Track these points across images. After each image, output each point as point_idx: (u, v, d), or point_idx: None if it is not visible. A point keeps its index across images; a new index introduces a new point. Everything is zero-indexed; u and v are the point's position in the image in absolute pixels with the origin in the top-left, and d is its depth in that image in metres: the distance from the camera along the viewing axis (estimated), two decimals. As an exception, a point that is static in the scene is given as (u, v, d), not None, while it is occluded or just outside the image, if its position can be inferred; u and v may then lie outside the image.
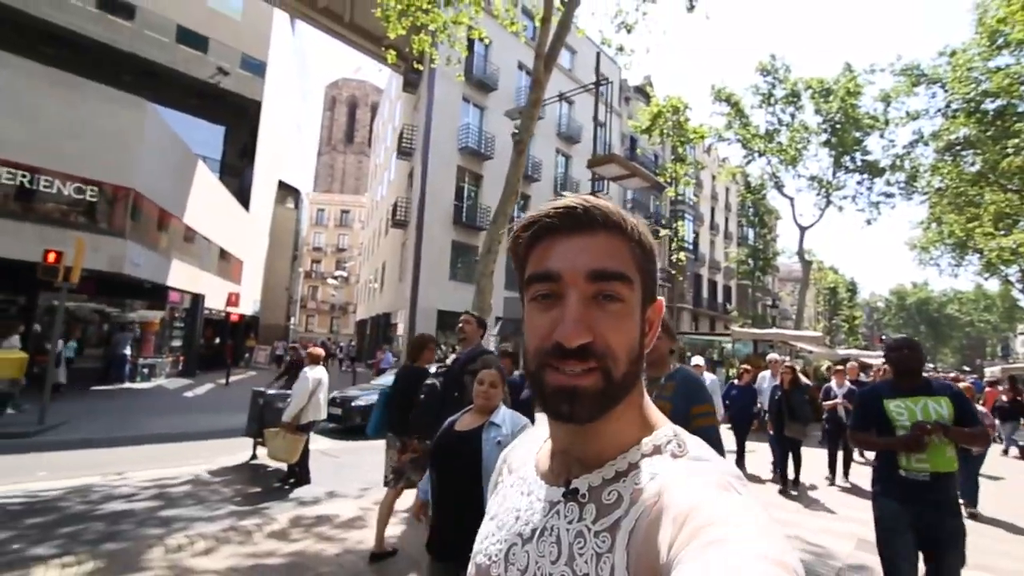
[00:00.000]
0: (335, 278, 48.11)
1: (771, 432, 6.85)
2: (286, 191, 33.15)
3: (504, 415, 2.29)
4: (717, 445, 2.06)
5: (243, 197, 24.12)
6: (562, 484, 0.60)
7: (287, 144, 33.83)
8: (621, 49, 11.09)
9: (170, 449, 7.58)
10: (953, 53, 18.74)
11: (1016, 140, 16.45)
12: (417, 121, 21.31)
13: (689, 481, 0.49)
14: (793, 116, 23.72)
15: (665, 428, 0.60)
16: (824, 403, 7.33)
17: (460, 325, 3.69)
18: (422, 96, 20.41)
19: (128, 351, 13.81)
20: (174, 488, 5.49)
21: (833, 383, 7.55)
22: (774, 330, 15.11)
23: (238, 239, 22.94)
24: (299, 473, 5.70)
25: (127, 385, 13.77)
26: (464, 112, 21.02)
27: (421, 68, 16.95)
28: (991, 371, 21.47)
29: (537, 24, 11.45)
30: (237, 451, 7.30)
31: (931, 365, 13.49)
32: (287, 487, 5.68)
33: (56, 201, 11.54)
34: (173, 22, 23.33)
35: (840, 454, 7.20)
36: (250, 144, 25.87)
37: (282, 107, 29.97)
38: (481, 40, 11.94)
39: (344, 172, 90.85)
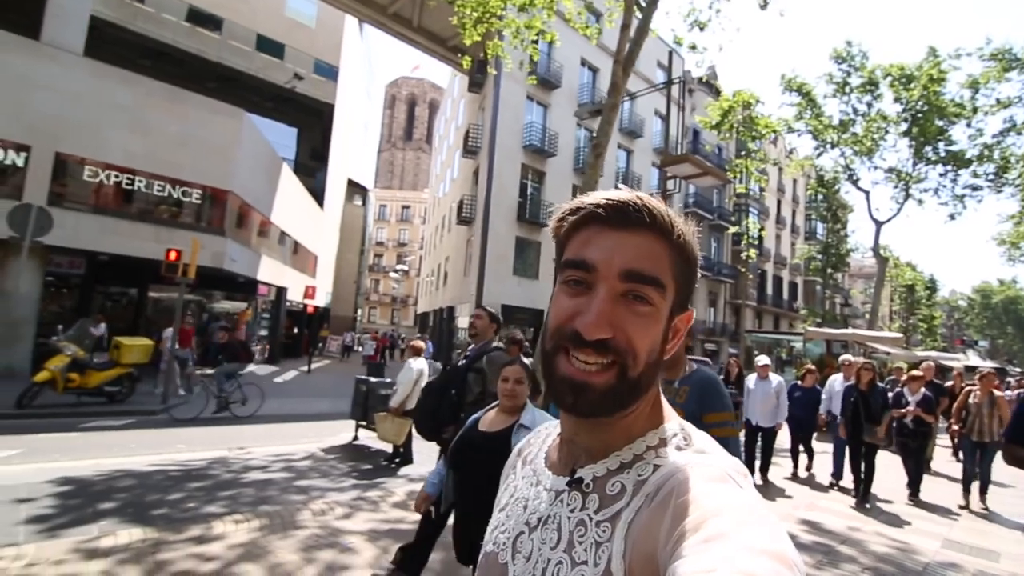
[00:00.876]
0: (396, 271, 49.86)
1: (843, 437, 6.38)
2: (354, 188, 34.72)
3: (534, 416, 2.17)
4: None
5: (317, 195, 25.55)
6: (567, 474, 0.61)
7: (355, 143, 35.38)
8: (694, 47, 11.14)
9: (278, 429, 8.45)
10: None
11: None
12: (482, 120, 21.88)
13: (691, 473, 0.50)
14: (870, 105, 22.67)
15: (672, 422, 0.61)
16: (894, 411, 6.47)
17: (471, 320, 3.58)
18: (488, 96, 20.93)
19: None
20: (297, 463, 6.23)
21: (906, 390, 6.71)
22: (849, 330, 14.68)
23: (314, 235, 24.37)
24: (404, 453, 6.33)
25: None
26: (528, 110, 21.42)
27: (493, 71, 17.40)
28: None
29: (608, 26, 11.69)
30: (339, 432, 8.06)
31: (1018, 369, 12.60)
32: (393, 465, 6.32)
33: (166, 203, 12.84)
34: (253, 31, 24.87)
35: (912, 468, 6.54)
36: (320, 145, 27.37)
37: (351, 108, 31.39)
38: (551, 43, 12.28)
39: (403, 168, 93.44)
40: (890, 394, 6.65)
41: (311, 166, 27.06)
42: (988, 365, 20.81)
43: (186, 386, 10.53)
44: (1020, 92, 19.00)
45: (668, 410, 0.63)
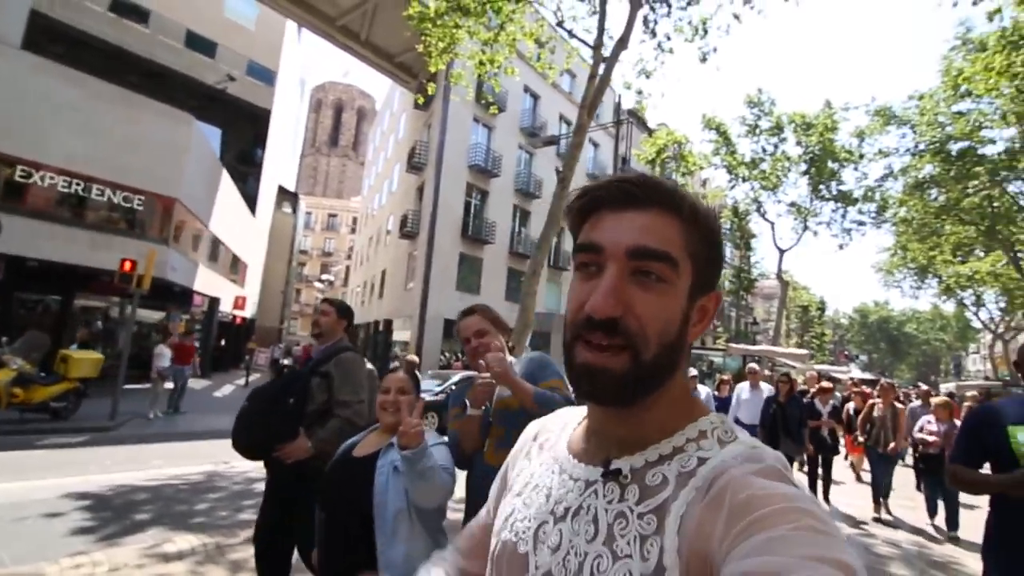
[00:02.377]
0: (321, 282, 48.38)
1: None
2: (284, 195, 33.63)
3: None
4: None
5: (248, 202, 24.66)
6: (601, 464, 0.59)
7: (287, 149, 34.37)
8: (640, 92, 12.33)
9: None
10: (921, 97, 20.68)
11: (975, 181, 18.39)
12: (428, 138, 22.29)
13: (745, 469, 0.48)
14: (776, 146, 25.50)
15: (710, 415, 0.60)
16: (811, 423, 6.64)
17: (315, 315, 2.92)
18: (435, 114, 21.40)
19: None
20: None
21: (817, 401, 6.93)
22: (764, 347, 16.55)
23: (245, 243, 23.49)
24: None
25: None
26: (474, 131, 22.11)
27: (456, 98, 17.87)
28: (945, 387, 23.49)
29: (566, 66, 12.65)
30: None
31: (891, 381, 14.85)
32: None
33: (106, 209, 12.21)
34: (184, 27, 23.78)
35: (819, 478, 6.74)
36: (249, 148, 26.41)
37: (285, 112, 30.57)
38: (508, 74, 13.06)
39: (328, 175, 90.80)
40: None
41: (241, 170, 26.04)
42: (868, 376, 23.92)
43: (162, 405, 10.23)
44: (898, 144, 22.22)
45: (702, 405, 0.61)
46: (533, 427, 0.79)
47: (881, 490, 6.42)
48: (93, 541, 3.83)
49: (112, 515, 4.41)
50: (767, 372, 14.22)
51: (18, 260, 11.52)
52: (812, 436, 6.67)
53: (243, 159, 26.38)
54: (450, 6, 10.76)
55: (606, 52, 9.90)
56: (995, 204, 20.10)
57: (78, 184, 11.74)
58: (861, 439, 6.75)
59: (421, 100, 12.81)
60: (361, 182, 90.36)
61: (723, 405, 7.73)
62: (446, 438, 1.97)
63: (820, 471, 6.78)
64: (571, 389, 0.61)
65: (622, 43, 9.58)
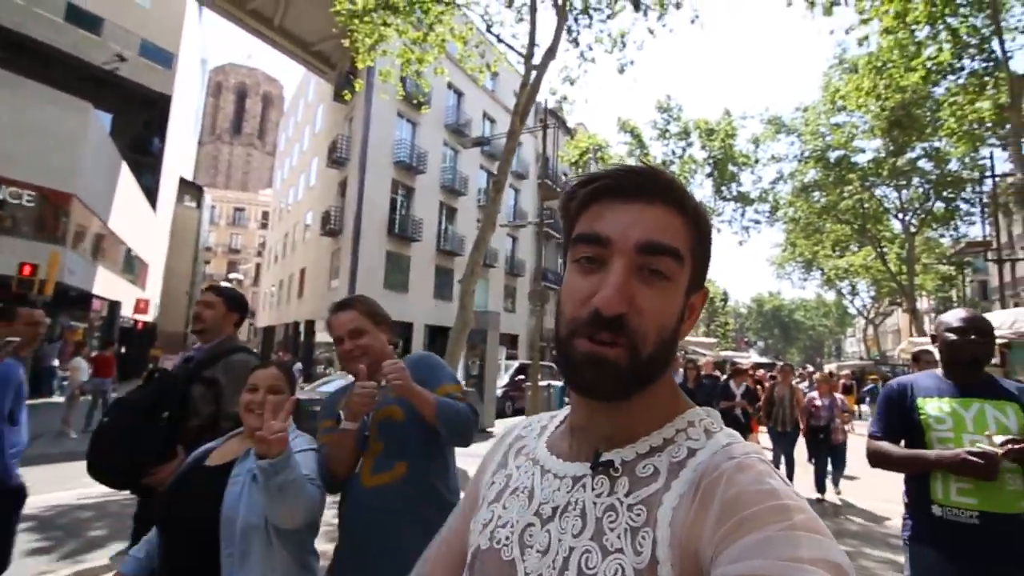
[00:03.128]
0: (230, 281, 45.50)
1: None
2: (186, 188, 31.29)
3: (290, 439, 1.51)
4: (466, 415, 1.62)
5: (147, 196, 22.78)
6: (589, 459, 0.57)
7: (187, 137, 31.93)
8: (564, 98, 12.91)
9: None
10: (806, 109, 23.10)
11: (850, 187, 20.89)
12: (350, 132, 21.75)
13: (736, 463, 0.48)
14: (684, 150, 27.39)
15: (697, 408, 0.59)
16: (723, 403, 6.89)
17: (196, 309, 2.42)
18: (357, 108, 20.90)
19: (56, 363, 13.11)
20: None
21: (732, 383, 7.21)
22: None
23: (145, 241, 21.73)
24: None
25: (54, 399, 13.05)
26: (398, 127, 21.86)
27: (385, 96, 17.55)
28: (828, 367, 26.59)
29: (492, 70, 12.96)
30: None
31: (790, 364, 16.66)
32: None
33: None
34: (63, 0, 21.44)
35: None
36: (143, 137, 24.28)
37: (186, 98, 28.39)
38: (451, 88, 13.17)
39: (231, 164, 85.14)
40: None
41: (136, 160, 23.91)
42: (765, 360, 26.47)
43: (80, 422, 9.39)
44: (787, 151, 24.68)
45: (686, 398, 0.60)
46: (507, 435, 0.76)
47: (778, 465, 6.27)
48: (55, 560, 3.67)
49: (63, 534, 4.21)
50: (679, 359, 15.35)
51: None
52: (725, 416, 7.17)
53: (137, 148, 24.16)
54: (378, 3, 10.70)
55: (535, 61, 10.31)
56: (865, 206, 22.91)
57: (-47, 177, 10.46)
58: (764, 418, 7.11)
59: (348, 97, 12.58)
60: (270, 173, 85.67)
61: (690, 394, 8.33)
62: (315, 444, 1.66)
63: None
64: (577, 383, 0.56)
65: (550, 53, 10.03)
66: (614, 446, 0.56)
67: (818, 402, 6.74)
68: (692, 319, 0.58)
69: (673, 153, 27.31)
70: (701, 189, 29.89)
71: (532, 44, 9.97)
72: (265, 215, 52.42)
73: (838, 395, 6.94)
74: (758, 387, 8.34)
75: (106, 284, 15.64)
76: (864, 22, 11.13)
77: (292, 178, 32.07)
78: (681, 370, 7.70)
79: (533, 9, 9.85)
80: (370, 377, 1.59)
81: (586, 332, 0.51)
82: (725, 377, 7.91)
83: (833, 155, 22.12)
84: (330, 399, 1.83)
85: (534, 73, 9.95)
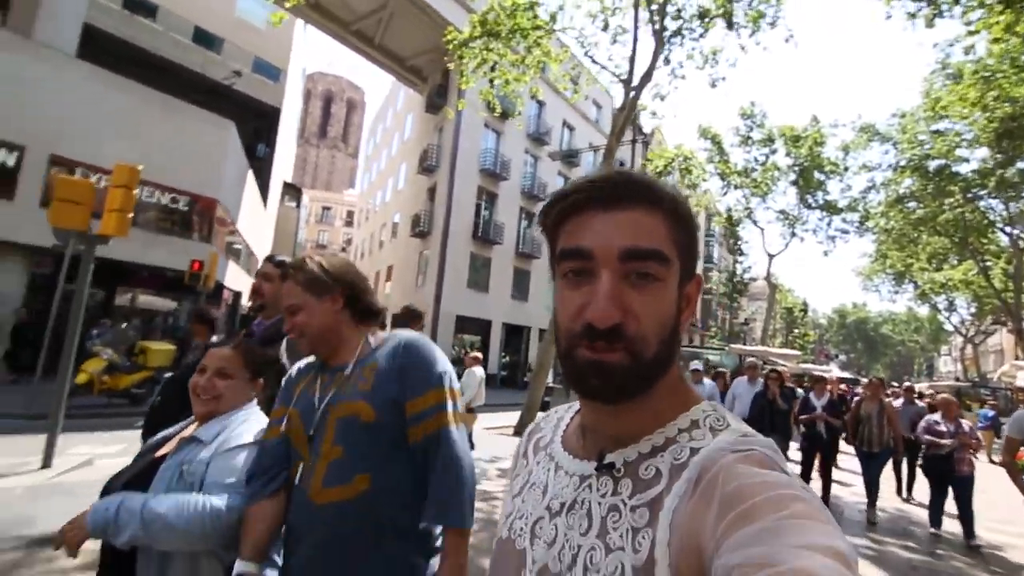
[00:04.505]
0: (318, 274, 48.84)
1: None
2: (287, 189, 34.18)
3: (233, 422, 1.43)
4: (458, 464, 1.25)
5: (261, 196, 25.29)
6: (595, 459, 0.59)
7: (290, 142, 34.84)
8: (654, 114, 13.41)
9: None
10: (903, 115, 22.11)
11: (951, 199, 19.91)
12: (440, 142, 23.18)
13: (735, 458, 0.48)
14: (767, 157, 26.87)
15: (703, 404, 0.59)
16: (803, 416, 6.64)
17: (255, 283, 2.25)
18: (447, 119, 22.28)
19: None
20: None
21: (812, 394, 6.88)
22: (761, 348, 17.90)
23: (259, 238, 24.18)
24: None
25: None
26: (484, 137, 23.07)
27: (483, 114, 18.60)
28: (917, 387, 25.25)
29: (578, 95, 13.66)
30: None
31: (880, 377, 16.05)
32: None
33: (155, 210, 12.98)
34: (191, 23, 24.17)
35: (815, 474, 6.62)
36: (254, 144, 26.89)
37: (291, 108, 31.09)
38: (534, 98, 14.03)
39: (317, 166, 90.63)
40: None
41: (254, 166, 26.61)
42: (846, 375, 25.54)
43: None
44: (880, 160, 23.73)
45: (695, 393, 0.61)
46: (529, 430, 0.78)
47: (874, 492, 6.15)
48: None
49: None
50: (758, 369, 15.43)
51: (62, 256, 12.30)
52: (807, 432, 6.57)
53: (248, 154, 26.91)
54: (483, 31, 11.68)
55: (632, 83, 10.96)
56: (968, 218, 21.64)
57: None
58: (851, 438, 6.46)
59: (451, 115, 13.73)
60: (351, 174, 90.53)
61: (721, 400, 7.66)
62: (257, 435, 1.41)
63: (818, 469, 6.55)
64: (583, 389, 0.56)
65: (647, 77, 10.66)
66: (620, 444, 0.57)
67: (942, 427, 5.76)
68: (690, 308, 0.59)
69: (755, 160, 26.93)
70: (784, 197, 29.27)
71: (631, 71, 10.60)
72: (350, 214, 55.82)
73: (965, 421, 5.98)
74: (857, 401, 7.53)
75: (232, 277, 17.78)
76: (971, 33, 10.94)
77: (380, 181, 34.20)
78: (760, 379, 7.34)
79: (635, 39, 10.47)
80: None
81: (584, 344, 0.52)
82: (804, 388, 7.69)
83: (933, 164, 21.09)
84: (289, 380, 1.43)
85: (631, 95, 10.61)
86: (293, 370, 1.47)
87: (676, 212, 0.56)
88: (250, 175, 18.83)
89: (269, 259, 2.24)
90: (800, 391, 7.91)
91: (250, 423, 1.45)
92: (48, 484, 4.81)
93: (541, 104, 26.23)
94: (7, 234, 10.90)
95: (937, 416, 5.96)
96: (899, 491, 7.59)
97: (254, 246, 23.03)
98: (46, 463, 5.17)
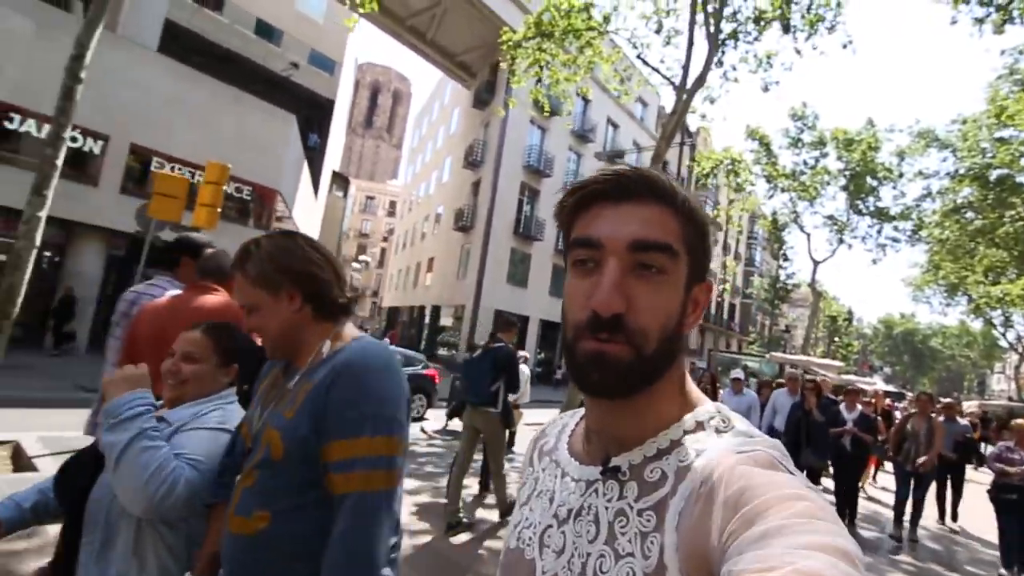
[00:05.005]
0: (359, 262, 50.26)
1: None
2: (336, 179, 35.27)
3: (203, 408, 1.35)
4: (364, 549, 0.96)
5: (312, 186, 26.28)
6: (600, 463, 0.59)
7: (340, 133, 35.94)
8: (704, 117, 13.42)
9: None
10: (964, 121, 21.27)
11: (1012, 211, 19.13)
12: (486, 137, 23.59)
13: (737, 459, 0.48)
14: (817, 160, 26.21)
15: (707, 405, 0.59)
16: (832, 430, 6.31)
17: None
18: (493, 115, 22.66)
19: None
20: (417, 447, 7.91)
21: (843, 407, 6.52)
22: (802, 357, 17.65)
23: (309, 226, 25.18)
24: (511, 436, 8.16)
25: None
26: (530, 133, 23.36)
27: (525, 109, 18.89)
28: (969, 405, 24.28)
29: (627, 96, 13.77)
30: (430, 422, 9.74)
31: (910, 395, 15.46)
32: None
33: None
34: (253, 16, 25.21)
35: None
36: (305, 134, 27.89)
37: (343, 99, 32.07)
38: (582, 96, 14.21)
39: (362, 156, 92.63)
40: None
41: (308, 156, 27.68)
42: (891, 388, 24.84)
43: None
44: (938, 167, 22.91)
45: (700, 395, 0.61)
46: (535, 436, 0.78)
47: (903, 509, 5.92)
48: None
49: None
50: (798, 379, 15.32)
51: (140, 239, 13.23)
52: (832, 445, 6.31)
53: (307, 144, 28.03)
54: (536, 32, 11.94)
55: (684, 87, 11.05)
56: (1030, 231, 20.72)
57: (200, 175, 13.33)
58: (892, 454, 6.19)
59: (501, 113, 14.06)
60: (394, 164, 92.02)
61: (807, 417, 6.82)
62: (222, 417, 1.34)
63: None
64: (584, 382, 0.55)
65: (700, 81, 10.73)
66: (624, 447, 0.58)
67: (1015, 454, 5.38)
68: (697, 313, 0.59)
69: (804, 163, 26.31)
70: (833, 202, 28.53)
71: (685, 76, 10.69)
72: (392, 204, 57.02)
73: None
74: (879, 417, 7.23)
75: (284, 263, 18.70)
76: (1043, 40, 10.58)
77: (424, 173, 34.91)
78: (780, 392, 7.12)
79: (690, 43, 10.55)
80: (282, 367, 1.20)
81: (587, 335, 0.53)
82: (839, 401, 7.05)
83: (994, 174, 20.28)
84: (261, 375, 1.30)
85: (683, 99, 10.71)
86: (267, 364, 1.30)
87: (688, 211, 0.56)
88: (305, 166, 19.64)
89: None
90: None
91: (222, 412, 1.36)
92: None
93: (586, 101, 26.30)
94: (90, 217, 11.79)
95: (1010, 443, 5.56)
96: (941, 516, 7.18)
97: (306, 233, 24.05)
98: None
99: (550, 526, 0.61)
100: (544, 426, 0.79)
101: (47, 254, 11.87)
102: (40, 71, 10.67)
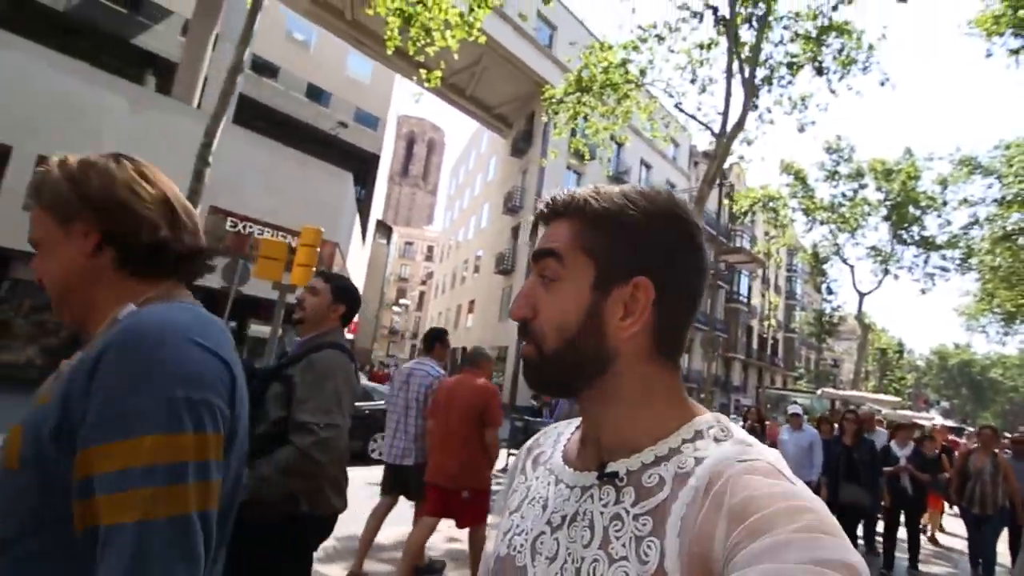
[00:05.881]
0: (400, 306, 51.53)
1: (823, 498, 4.46)
2: (379, 227, 36.88)
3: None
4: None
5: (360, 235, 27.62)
6: (596, 469, 0.59)
7: (383, 183, 37.76)
8: (742, 158, 13.85)
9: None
10: (1008, 146, 21.06)
11: (1068, 235, 18.66)
12: (524, 184, 24.55)
13: (742, 469, 0.48)
14: (855, 192, 26.06)
15: (706, 415, 0.59)
16: (886, 469, 5.92)
17: (299, 295, 2.15)
18: (531, 162, 23.62)
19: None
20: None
21: (893, 443, 6.20)
22: (854, 392, 17.31)
23: (356, 273, 26.36)
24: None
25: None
26: (566, 178, 24.21)
27: (571, 162, 19.69)
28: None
29: (665, 143, 14.30)
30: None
31: (969, 430, 14.66)
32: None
33: (289, 253, 14.89)
34: (305, 80, 27.19)
35: (905, 534, 5.83)
36: (355, 187, 29.56)
37: (386, 153, 33.89)
38: (618, 142, 14.88)
39: (399, 202, 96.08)
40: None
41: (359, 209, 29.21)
42: (950, 423, 23.76)
43: None
44: (984, 194, 22.60)
45: (698, 406, 0.61)
46: (529, 444, 0.78)
47: (979, 561, 5.41)
48: None
49: None
50: (844, 412, 15.07)
51: (216, 292, 14.29)
52: (889, 486, 5.88)
53: (359, 197, 29.63)
54: (577, 88, 12.71)
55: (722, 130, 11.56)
56: (1089, 256, 20.09)
57: (268, 231, 14.43)
58: (955, 495, 5.69)
59: (544, 163, 14.82)
60: (430, 210, 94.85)
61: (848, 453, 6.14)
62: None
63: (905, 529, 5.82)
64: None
65: (738, 126, 11.22)
66: (619, 456, 0.58)
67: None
68: (633, 314, 0.56)
69: (843, 195, 26.18)
70: (876, 233, 28.07)
71: (725, 123, 11.21)
72: (430, 248, 58.70)
73: None
74: (942, 455, 6.67)
75: (338, 310, 19.64)
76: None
77: (462, 219, 36.14)
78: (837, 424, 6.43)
79: (728, 94, 11.10)
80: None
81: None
82: (889, 436, 6.66)
83: (1045, 198, 19.91)
84: None
85: (723, 142, 11.20)
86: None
87: (588, 215, 0.58)
88: (356, 218, 20.82)
89: (319, 274, 2.13)
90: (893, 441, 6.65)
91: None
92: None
93: (620, 145, 27.14)
94: (175, 274, 12.90)
95: None
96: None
97: (354, 280, 25.18)
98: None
99: (543, 533, 0.60)
100: (537, 435, 0.79)
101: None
102: (131, 142, 12.02)
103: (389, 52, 9.13)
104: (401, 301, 50.51)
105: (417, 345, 50.35)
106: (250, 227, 14.11)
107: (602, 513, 0.55)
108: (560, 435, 0.74)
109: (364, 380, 11.93)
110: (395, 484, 3.81)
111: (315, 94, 27.64)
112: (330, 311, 2.05)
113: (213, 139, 6.79)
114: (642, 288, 0.56)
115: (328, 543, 4.12)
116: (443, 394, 3.44)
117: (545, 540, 0.59)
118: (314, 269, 7.25)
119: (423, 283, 57.05)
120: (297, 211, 14.81)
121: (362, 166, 29.57)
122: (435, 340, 3.97)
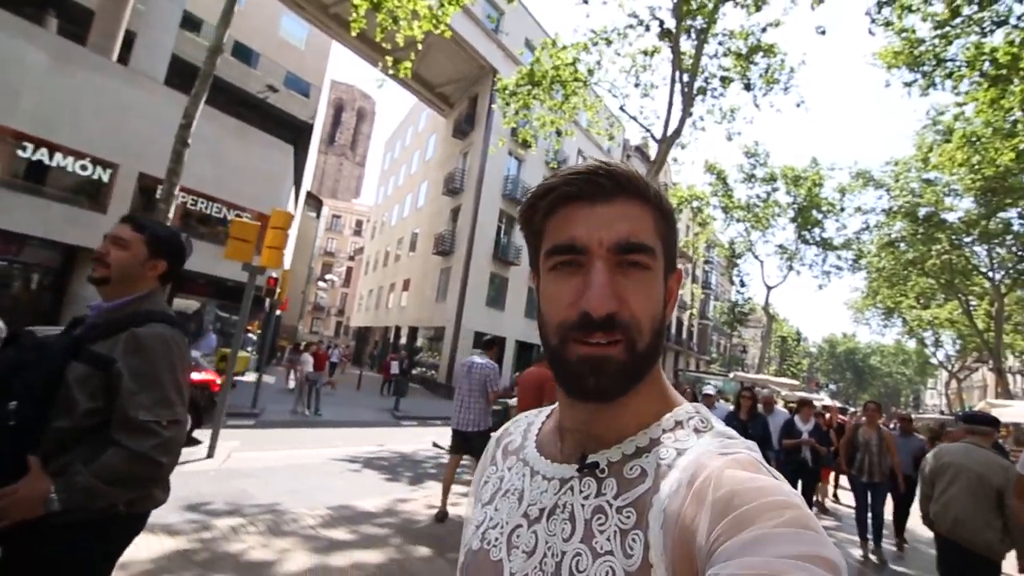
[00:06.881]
0: (325, 281, 50.01)
1: None
2: (309, 200, 35.51)
3: None
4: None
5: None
6: (576, 461, 0.58)
7: (312, 153, 36.29)
8: (675, 160, 14.90)
9: (376, 432, 10.62)
10: (896, 163, 23.82)
11: (938, 245, 21.56)
12: (466, 166, 24.67)
13: (724, 461, 0.48)
14: (768, 194, 28.49)
15: (686, 405, 0.59)
16: (786, 442, 6.28)
17: (98, 250, 1.52)
18: (473, 145, 23.79)
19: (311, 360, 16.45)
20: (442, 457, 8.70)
21: (797, 418, 6.54)
22: (760, 375, 19.23)
23: (286, 247, 25.51)
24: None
25: (244, 378, 16.35)
26: (508, 164, 24.60)
27: (521, 151, 19.94)
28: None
29: (609, 141, 15.08)
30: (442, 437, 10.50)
31: (852, 409, 17.15)
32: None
33: (222, 225, 14.29)
34: (232, 38, 25.55)
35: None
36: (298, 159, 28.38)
37: (318, 121, 32.56)
38: (562, 135, 15.50)
39: (324, 173, 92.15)
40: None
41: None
42: (836, 404, 26.92)
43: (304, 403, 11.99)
44: (874, 204, 25.43)
45: (676, 394, 0.61)
46: (498, 435, 0.77)
47: (867, 526, 5.76)
48: (405, 486, 6.11)
49: (396, 474, 6.68)
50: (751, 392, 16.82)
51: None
52: (789, 458, 6.21)
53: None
54: (528, 82, 13.19)
55: (660, 137, 12.45)
56: (954, 263, 23.24)
57: (203, 203, 13.82)
58: (845, 466, 6.08)
59: (494, 151, 15.18)
60: (358, 182, 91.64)
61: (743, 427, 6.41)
62: None
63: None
64: (575, 386, 0.56)
65: (677, 133, 12.12)
66: (602, 446, 0.57)
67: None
68: (672, 302, 0.59)
69: (757, 196, 28.55)
70: (784, 232, 30.92)
71: (666, 129, 12.07)
72: (359, 223, 57.16)
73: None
74: (832, 430, 7.30)
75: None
76: (959, 104, 12.48)
77: (397, 196, 35.60)
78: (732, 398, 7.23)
79: (670, 104, 11.94)
80: None
81: (578, 336, 0.53)
82: (792, 412, 7.06)
83: (922, 211, 22.68)
84: None
85: (662, 148, 12.08)
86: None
87: (661, 205, 0.57)
88: (291, 191, 20.16)
89: (126, 219, 1.59)
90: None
91: None
92: (223, 469, 6.02)
93: (559, 133, 27.85)
94: (94, 242, 12.12)
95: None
96: (898, 534, 6.47)
97: (286, 255, 24.35)
98: (210, 454, 6.36)
99: (519, 526, 0.59)
100: (507, 425, 0.78)
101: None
102: (54, 102, 11.15)
103: (354, 34, 9.11)
104: (327, 276, 49.00)
105: (347, 324, 49.26)
106: (185, 196, 13.45)
107: (583, 506, 0.55)
108: (531, 424, 0.73)
109: (309, 366, 11.90)
110: (462, 445, 4.97)
111: (243, 53, 25.98)
112: (145, 268, 1.54)
113: (192, 120, 6.68)
114: (677, 278, 0.60)
115: (323, 512, 4.57)
116: (526, 378, 4.33)
117: (522, 534, 0.58)
118: (283, 251, 7.26)
119: (351, 258, 55.64)
120: (236, 182, 14.27)
121: (294, 134, 28.33)
122: (492, 344, 5.39)
